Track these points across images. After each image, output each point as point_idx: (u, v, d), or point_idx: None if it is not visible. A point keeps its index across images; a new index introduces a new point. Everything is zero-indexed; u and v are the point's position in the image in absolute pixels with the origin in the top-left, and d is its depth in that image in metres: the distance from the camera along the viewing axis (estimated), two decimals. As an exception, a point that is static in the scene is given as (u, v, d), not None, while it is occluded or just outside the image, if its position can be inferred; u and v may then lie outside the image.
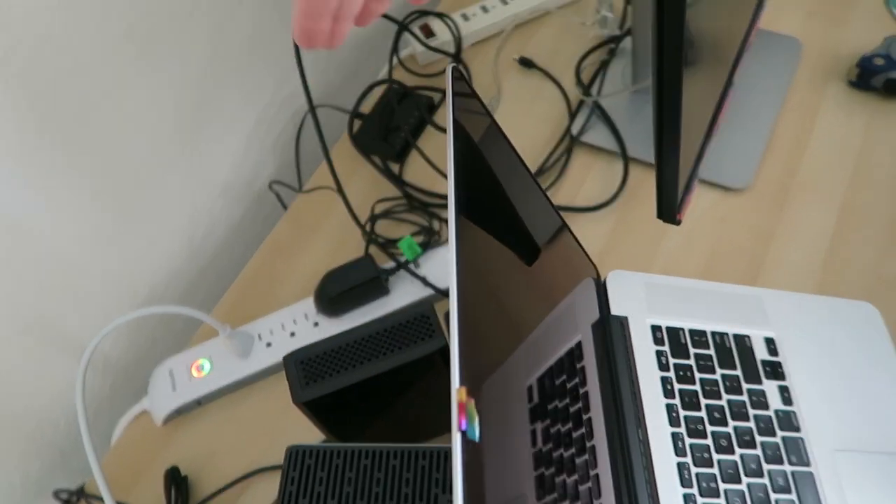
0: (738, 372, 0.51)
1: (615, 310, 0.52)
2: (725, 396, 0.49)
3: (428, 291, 0.64)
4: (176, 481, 0.57)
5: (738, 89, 0.70)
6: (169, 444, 0.61)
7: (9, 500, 0.61)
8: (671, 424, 0.47)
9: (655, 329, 0.51)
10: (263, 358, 0.62)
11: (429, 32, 0.80)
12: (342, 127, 0.77)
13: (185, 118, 0.66)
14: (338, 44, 0.38)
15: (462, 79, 0.42)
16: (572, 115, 0.73)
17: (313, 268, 0.68)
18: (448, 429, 0.29)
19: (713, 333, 0.52)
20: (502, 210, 0.44)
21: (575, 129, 0.72)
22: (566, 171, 0.70)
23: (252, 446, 0.60)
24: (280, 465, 0.54)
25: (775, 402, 0.50)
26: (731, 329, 0.53)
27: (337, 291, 0.62)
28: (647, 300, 0.53)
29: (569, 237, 0.53)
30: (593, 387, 0.47)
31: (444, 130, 0.74)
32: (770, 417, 0.49)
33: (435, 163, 0.71)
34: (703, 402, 0.48)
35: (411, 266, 0.65)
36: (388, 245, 0.67)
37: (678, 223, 0.49)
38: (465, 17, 0.81)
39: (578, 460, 0.44)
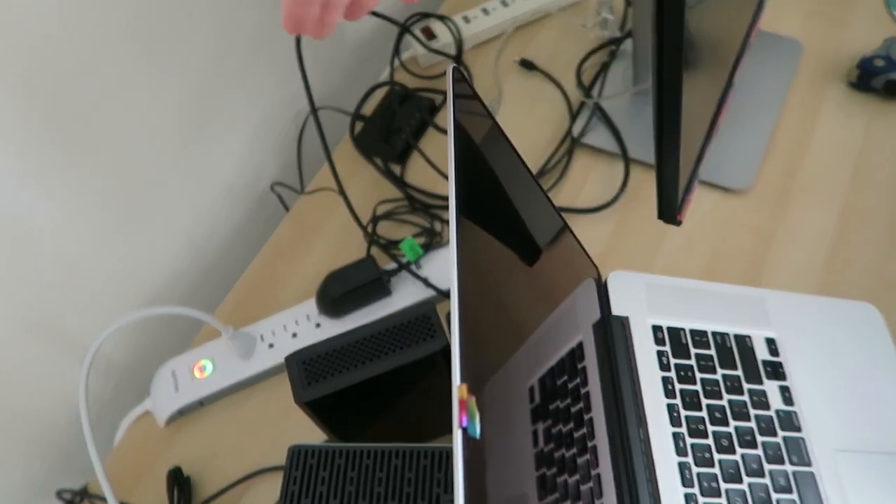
0: (739, 372, 0.51)
1: (616, 310, 0.52)
2: (726, 396, 0.49)
3: (429, 292, 0.64)
4: (178, 482, 0.58)
5: (738, 91, 0.71)
6: (171, 445, 0.61)
7: (12, 500, 0.61)
8: (672, 424, 0.47)
9: (656, 329, 0.52)
10: (265, 359, 0.62)
11: (430, 35, 0.80)
12: (344, 128, 0.77)
13: (187, 119, 0.66)
14: (328, 32, 0.37)
15: (463, 80, 0.42)
16: (573, 117, 0.73)
17: (315, 269, 0.68)
18: (449, 430, 0.29)
19: (714, 334, 0.52)
20: (503, 211, 0.44)
21: (576, 131, 0.72)
22: (567, 172, 0.71)
23: (254, 447, 0.60)
24: (282, 465, 0.54)
25: (776, 402, 0.50)
26: (732, 329, 0.53)
27: (339, 292, 0.62)
28: (647, 300, 0.53)
29: (570, 238, 0.53)
30: (594, 387, 0.47)
31: (445, 132, 0.75)
32: (771, 417, 0.49)
33: (436, 164, 0.71)
34: (704, 402, 0.49)
35: (413, 267, 0.65)
36: (390, 246, 0.67)
37: (679, 224, 0.49)
38: (466, 20, 0.81)
39: (580, 460, 0.44)
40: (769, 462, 0.47)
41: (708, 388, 0.49)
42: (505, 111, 0.76)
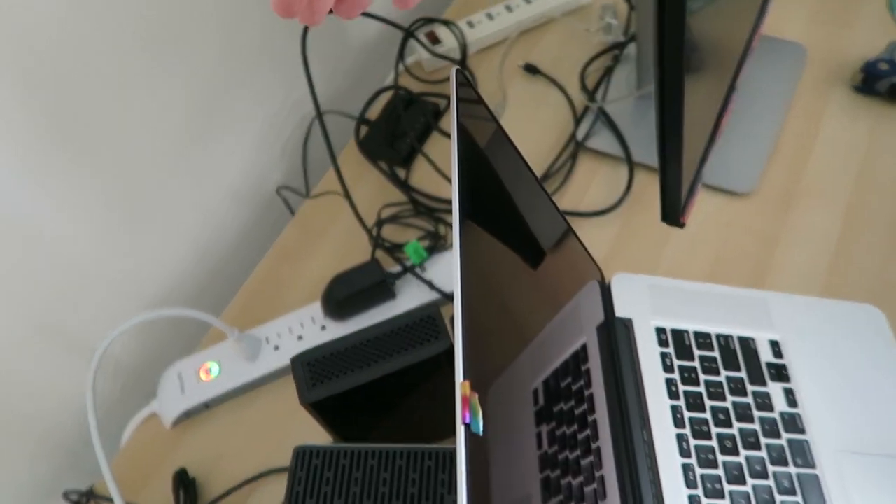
0: (743, 374, 0.51)
1: (620, 312, 0.53)
2: (730, 398, 0.49)
3: (434, 295, 0.64)
4: (184, 483, 0.58)
5: (742, 95, 0.71)
6: (177, 447, 0.61)
7: (19, 501, 0.62)
8: (676, 426, 0.47)
9: (660, 331, 0.52)
10: (271, 361, 0.63)
11: (434, 39, 0.81)
12: (349, 133, 0.78)
13: (194, 123, 0.67)
14: (319, 19, 0.37)
15: (467, 84, 0.42)
16: (577, 121, 0.74)
17: (320, 272, 0.69)
18: (453, 432, 0.29)
19: (718, 336, 0.52)
20: (507, 214, 0.44)
21: (580, 135, 0.72)
22: (571, 176, 0.71)
23: (259, 449, 0.60)
24: (287, 466, 0.54)
25: (780, 404, 0.50)
26: (736, 331, 0.53)
27: (344, 295, 0.62)
28: (651, 303, 0.53)
29: (574, 241, 0.53)
30: (598, 389, 0.47)
31: (449, 136, 0.75)
32: (775, 419, 0.49)
33: (441, 168, 0.72)
34: (708, 403, 0.49)
35: (417, 270, 0.65)
36: (395, 249, 0.68)
37: (682, 226, 0.49)
38: (471, 25, 0.82)
39: (584, 462, 0.44)
40: (773, 464, 0.47)
41: (712, 389, 0.49)
42: (509, 115, 0.76)
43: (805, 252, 0.64)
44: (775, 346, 0.53)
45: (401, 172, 0.74)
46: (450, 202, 0.71)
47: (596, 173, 0.71)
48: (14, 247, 0.54)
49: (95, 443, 0.51)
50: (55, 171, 0.55)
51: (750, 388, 0.50)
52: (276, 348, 0.63)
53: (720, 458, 0.47)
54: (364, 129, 0.77)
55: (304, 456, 0.47)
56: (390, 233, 0.70)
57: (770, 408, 0.49)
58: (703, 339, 0.52)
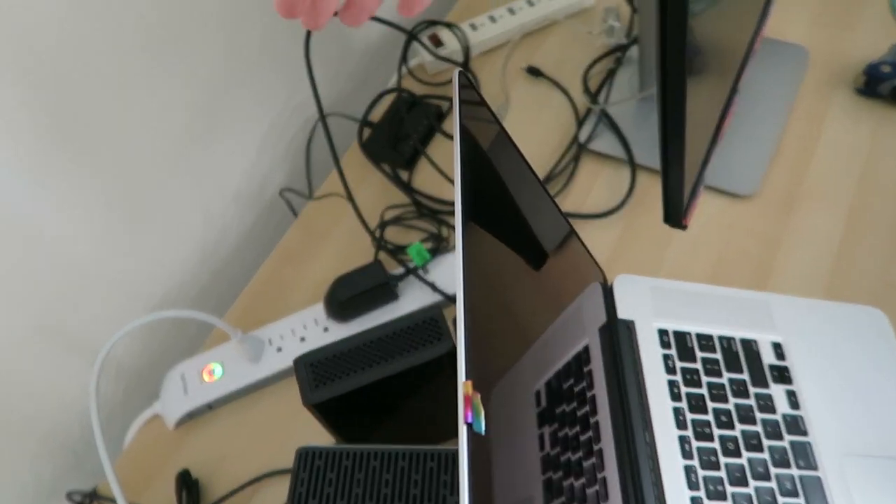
0: (745, 376, 0.51)
1: (622, 314, 0.53)
2: (732, 400, 0.49)
3: (437, 297, 0.64)
4: (187, 484, 0.58)
5: (745, 97, 0.71)
6: (180, 448, 0.62)
7: (22, 502, 0.62)
8: (678, 427, 0.47)
9: (662, 333, 0.52)
10: (274, 363, 0.63)
11: (437, 42, 0.81)
12: (352, 135, 0.78)
13: (196, 124, 0.67)
14: (322, 22, 0.37)
15: (470, 86, 0.42)
16: (580, 123, 0.74)
17: (323, 274, 0.69)
18: (455, 433, 0.29)
19: (720, 337, 0.52)
20: (510, 216, 0.45)
21: (582, 137, 0.72)
22: (574, 178, 0.71)
23: (262, 450, 0.60)
24: (290, 468, 0.54)
25: (782, 406, 0.50)
26: (738, 333, 0.53)
27: (346, 296, 0.62)
28: (653, 304, 0.53)
29: (576, 243, 0.53)
30: (600, 390, 0.48)
31: (452, 138, 0.75)
32: (777, 421, 0.49)
33: (444, 170, 0.72)
34: (710, 405, 0.49)
35: (420, 272, 0.65)
36: (398, 251, 0.68)
37: (684, 228, 0.50)
38: (474, 27, 0.82)
39: (586, 463, 0.45)
40: (775, 466, 0.47)
41: (714, 391, 0.49)
42: (512, 118, 0.76)
43: (807, 254, 0.64)
44: (777, 348, 0.53)
45: (403, 174, 0.74)
46: (452, 204, 0.71)
47: (598, 175, 0.71)
48: (15, 247, 0.55)
49: (99, 444, 0.51)
50: (56, 171, 0.56)
51: (752, 389, 0.50)
52: (279, 350, 0.63)
53: (722, 459, 0.47)
54: (367, 132, 0.77)
55: (306, 457, 0.47)
56: (393, 235, 0.70)
57: (772, 410, 0.49)
58: (706, 341, 0.52)
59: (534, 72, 0.79)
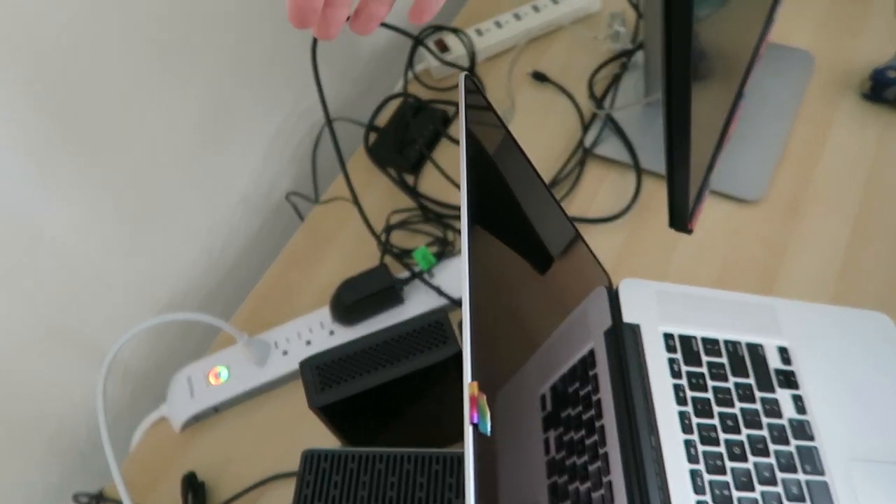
0: (751, 380, 0.51)
1: (627, 318, 0.53)
2: (738, 404, 0.49)
3: (442, 301, 0.65)
4: (193, 487, 0.58)
5: (751, 102, 0.71)
6: (186, 450, 0.62)
7: (29, 503, 0.62)
8: (684, 431, 0.47)
9: (668, 337, 0.52)
10: (280, 366, 0.63)
11: (443, 47, 0.81)
12: (358, 140, 0.78)
13: (205, 129, 0.68)
14: (334, 32, 0.38)
15: (476, 90, 0.43)
16: (585, 128, 0.74)
17: (329, 278, 0.69)
18: (461, 436, 0.29)
19: (726, 342, 0.52)
20: (516, 220, 0.45)
21: (588, 142, 0.73)
22: (579, 182, 0.71)
23: (268, 453, 0.61)
24: (296, 471, 0.54)
25: (789, 410, 0.50)
26: (744, 338, 0.53)
27: (352, 300, 0.63)
28: (659, 308, 0.53)
29: (582, 247, 0.53)
30: (606, 394, 0.48)
31: (458, 142, 0.76)
32: (783, 426, 0.49)
33: (449, 174, 0.72)
34: (716, 409, 0.49)
35: (426, 276, 0.65)
36: (403, 255, 0.68)
37: (689, 232, 0.50)
38: (479, 33, 0.82)
39: (591, 467, 0.45)
40: (782, 470, 0.47)
41: (720, 395, 0.49)
42: (517, 122, 0.77)
43: (813, 259, 0.64)
44: (784, 353, 0.53)
45: (409, 179, 0.74)
46: (458, 208, 0.71)
47: (604, 180, 0.71)
48: (24, 249, 0.55)
49: (105, 446, 0.51)
50: (65, 174, 0.56)
51: (758, 394, 0.50)
52: (285, 353, 0.64)
53: (728, 464, 0.47)
54: (373, 136, 0.78)
55: (312, 460, 0.47)
56: (399, 239, 0.70)
57: (779, 414, 0.49)
58: (712, 345, 0.52)
59: (539, 77, 0.79)
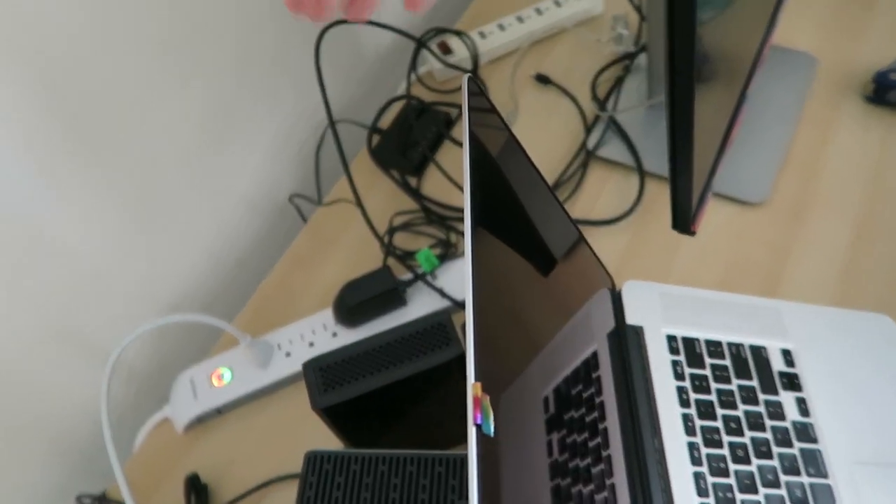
0: (755, 383, 0.51)
1: (630, 319, 0.53)
2: (742, 407, 0.49)
3: (445, 303, 0.65)
4: (196, 488, 0.58)
5: (754, 105, 0.71)
6: (189, 452, 0.62)
7: (32, 503, 0.62)
8: (687, 434, 0.47)
9: (671, 339, 0.52)
10: (283, 367, 0.63)
11: (446, 49, 0.82)
12: (361, 141, 0.78)
13: (208, 131, 0.68)
14: (328, 15, 0.39)
15: (479, 92, 0.43)
16: (588, 130, 0.74)
17: (332, 279, 0.69)
18: (464, 438, 0.29)
19: (729, 344, 0.52)
20: (519, 222, 0.45)
21: (591, 144, 0.73)
22: (582, 184, 0.71)
23: (271, 454, 0.61)
24: (298, 473, 0.54)
25: (792, 413, 0.50)
26: (748, 340, 0.53)
27: (355, 302, 0.63)
28: (662, 310, 0.53)
29: (585, 249, 0.53)
30: (609, 396, 0.48)
31: (461, 144, 0.76)
32: (787, 429, 0.49)
33: (452, 176, 0.72)
34: (720, 412, 0.49)
35: (429, 278, 0.65)
36: (406, 257, 0.68)
37: (693, 234, 0.50)
38: (482, 35, 0.82)
39: (594, 470, 0.44)
40: (785, 473, 0.47)
41: (723, 398, 0.49)
42: (520, 125, 0.77)
43: (816, 261, 0.63)
44: (787, 355, 0.53)
45: (412, 181, 0.74)
46: (461, 210, 0.71)
47: (607, 182, 0.71)
48: (28, 250, 0.55)
49: (109, 447, 0.51)
50: (69, 175, 0.56)
51: (762, 396, 0.50)
52: (288, 354, 0.64)
53: (732, 466, 0.46)
54: (376, 138, 0.78)
55: (315, 461, 0.47)
56: (402, 241, 0.70)
57: (782, 417, 0.49)
58: (715, 348, 0.52)
59: (542, 79, 0.79)
